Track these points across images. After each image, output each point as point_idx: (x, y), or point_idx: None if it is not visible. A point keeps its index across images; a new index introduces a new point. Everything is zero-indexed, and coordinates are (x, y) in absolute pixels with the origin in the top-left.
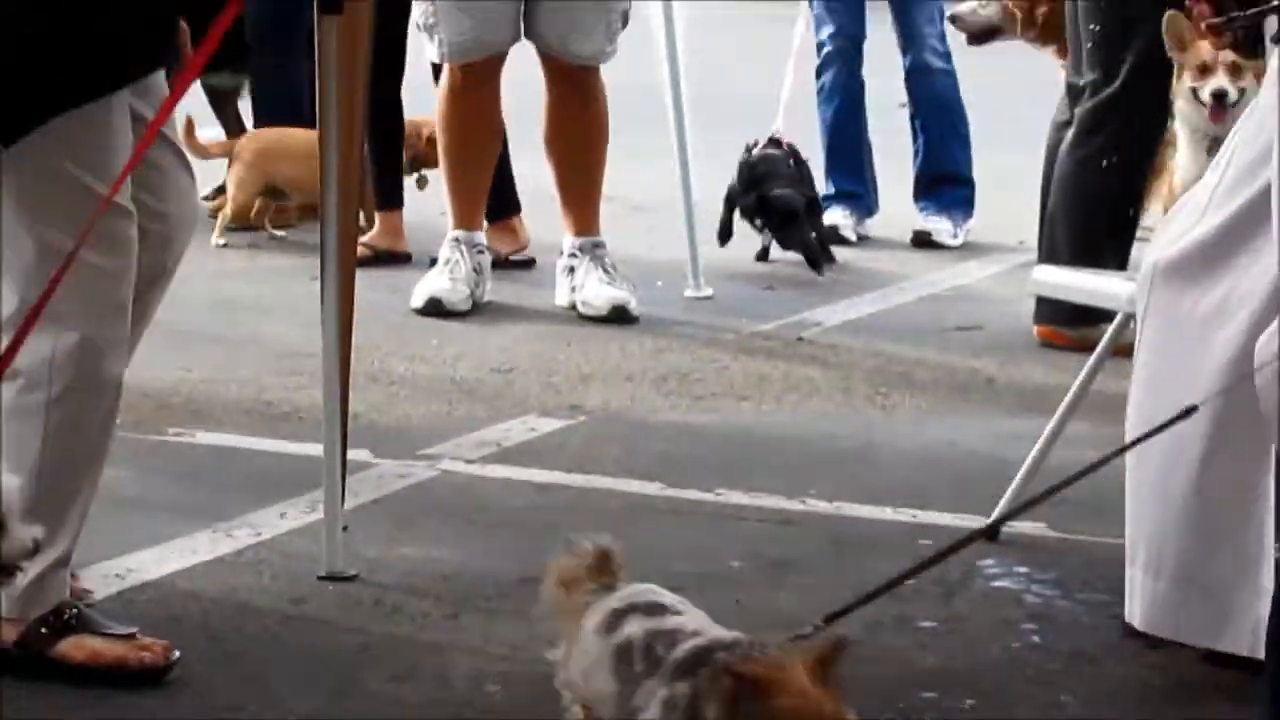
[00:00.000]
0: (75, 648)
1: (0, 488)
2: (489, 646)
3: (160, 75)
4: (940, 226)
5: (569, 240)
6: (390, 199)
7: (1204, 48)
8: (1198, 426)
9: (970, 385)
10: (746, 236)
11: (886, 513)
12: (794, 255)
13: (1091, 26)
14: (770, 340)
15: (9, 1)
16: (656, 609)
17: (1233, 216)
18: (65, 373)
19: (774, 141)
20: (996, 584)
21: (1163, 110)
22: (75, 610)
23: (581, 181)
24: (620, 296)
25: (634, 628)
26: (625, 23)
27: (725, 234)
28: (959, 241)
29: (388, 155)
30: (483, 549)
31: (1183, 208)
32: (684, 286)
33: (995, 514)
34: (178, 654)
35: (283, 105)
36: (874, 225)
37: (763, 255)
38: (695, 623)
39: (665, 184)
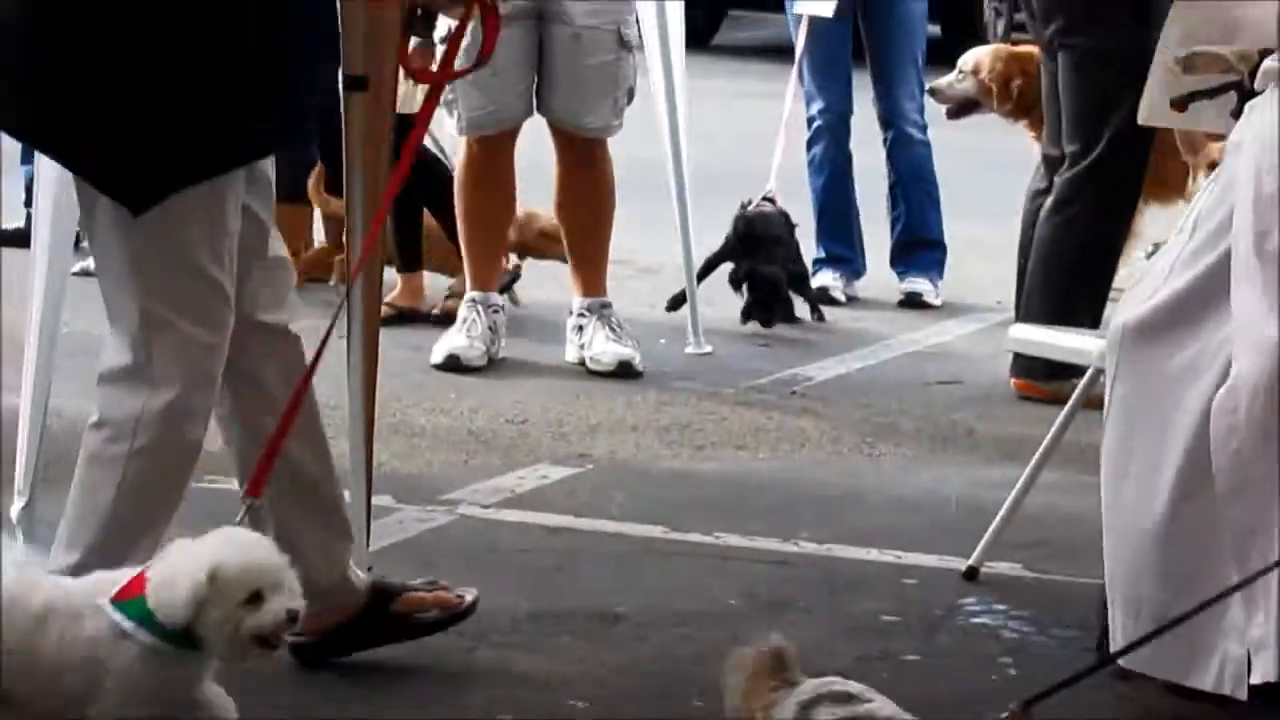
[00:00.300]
0: None
1: (261, 562)
2: (503, 677)
3: (269, 162)
4: (925, 287)
5: (578, 300)
6: (411, 262)
7: (1214, 147)
8: (1169, 477)
9: (951, 436)
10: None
11: (873, 554)
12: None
13: (1071, 101)
14: (765, 394)
15: (148, 76)
16: (845, 697)
17: (1197, 279)
18: (150, 430)
19: (767, 200)
20: (976, 620)
21: (1137, 180)
22: None
23: (589, 246)
24: (626, 353)
25: (825, 717)
26: (631, 98)
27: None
28: (939, 301)
29: (409, 221)
30: (498, 588)
31: (1149, 272)
32: (685, 344)
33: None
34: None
35: (289, 180)
36: (861, 286)
37: (746, 316)
38: (888, 709)
39: (667, 249)
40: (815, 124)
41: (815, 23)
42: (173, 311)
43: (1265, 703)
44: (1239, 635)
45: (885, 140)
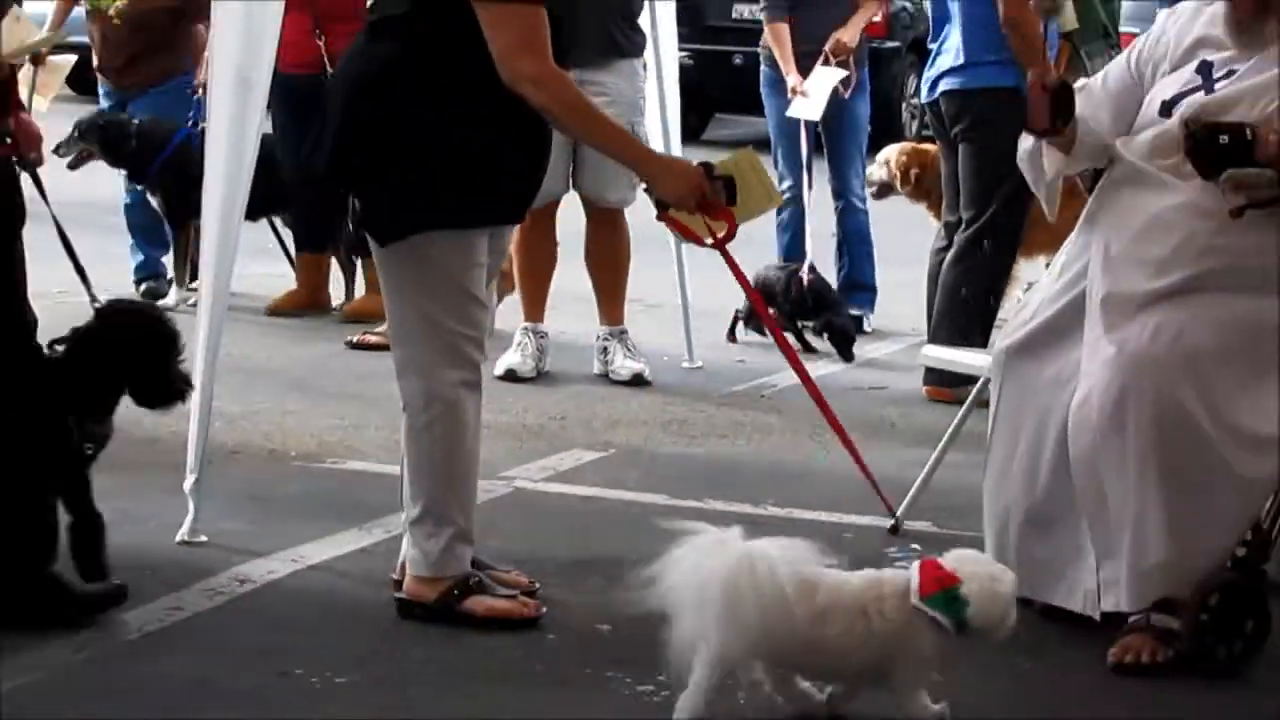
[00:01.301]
0: (477, 604)
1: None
2: (550, 608)
3: (513, 230)
4: (860, 318)
5: (602, 328)
6: None
7: None
8: (1047, 460)
9: (879, 427)
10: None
11: (821, 515)
12: (757, 338)
13: (968, 179)
14: (742, 397)
15: (415, 134)
16: None
17: (1061, 313)
18: (437, 405)
19: (811, 269)
20: (898, 564)
21: (1015, 239)
22: (478, 578)
23: (611, 287)
24: (639, 368)
25: None
26: None
27: (746, 324)
28: (871, 328)
29: None
30: (544, 542)
31: (1025, 305)
32: (682, 360)
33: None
34: (544, 609)
35: (320, 236)
36: None
37: (731, 334)
38: None
39: (670, 290)
40: (785, 196)
41: (794, 123)
42: (443, 313)
43: (1109, 623)
44: (1092, 573)
45: (836, 208)
